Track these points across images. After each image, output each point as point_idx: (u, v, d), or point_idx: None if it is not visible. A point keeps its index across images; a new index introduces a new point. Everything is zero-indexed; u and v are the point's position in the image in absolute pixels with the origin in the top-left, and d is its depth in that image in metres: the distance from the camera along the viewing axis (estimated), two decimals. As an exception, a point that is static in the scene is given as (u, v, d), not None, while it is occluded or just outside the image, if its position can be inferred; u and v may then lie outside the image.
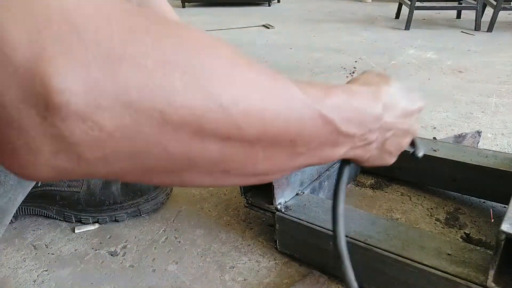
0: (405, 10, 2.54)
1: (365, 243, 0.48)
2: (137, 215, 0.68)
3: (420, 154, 0.43)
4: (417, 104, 0.39)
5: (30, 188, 0.49)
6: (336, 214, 0.40)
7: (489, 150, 0.68)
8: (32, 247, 0.63)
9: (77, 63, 0.17)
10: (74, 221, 0.68)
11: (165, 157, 0.21)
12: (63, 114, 0.17)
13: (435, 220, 0.65)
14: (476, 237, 0.60)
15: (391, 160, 0.40)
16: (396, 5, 2.90)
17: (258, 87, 0.23)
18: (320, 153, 0.30)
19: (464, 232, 0.61)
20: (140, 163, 0.21)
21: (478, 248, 0.46)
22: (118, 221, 0.68)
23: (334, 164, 0.69)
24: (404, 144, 0.40)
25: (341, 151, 0.32)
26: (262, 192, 0.58)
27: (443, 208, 0.68)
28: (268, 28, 2.63)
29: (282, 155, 0.27)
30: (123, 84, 0.18)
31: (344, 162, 0.39)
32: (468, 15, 2.79)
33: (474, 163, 0.64)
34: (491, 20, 2.28)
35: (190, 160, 0.22)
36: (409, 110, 0.38)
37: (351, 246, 0.49)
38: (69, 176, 0.20)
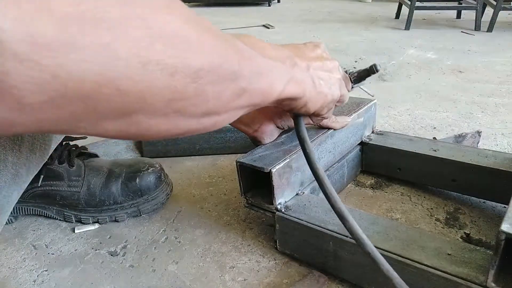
0: (405, 10, 2.54)
1: (365, 243, 0.48)
2: (137, 215, 0.68)
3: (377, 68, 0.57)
4: (319, 54, 0.52)
5: (26, 186, 0.49)
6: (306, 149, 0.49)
7: (489, 150, 0.68)
8: (32, 247, 0.63)
9: None
10: (74, 221, 0.68)
11: (116, 95, 0.21)
12: None
13: (435, 220, 0.65)
14: (476, 237, 0.60)
15: (327, 97, 0.49)
16: (396, 5, 2.90)
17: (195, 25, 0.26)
18: (260, 86, 0.35)
19: (464, 232, 0.61)
20: (92, 106, 0.20)
21: (478, 248, 0.46)
22: (118, 221, 0.68)
23: (334, 164, 0.69)
24: (334, 79, 0.50)
25: (279, 84, 0.38)
26: (262, 192, 0.58)
27: (443, 208, 0.68)
28: (268, 28, 2.63)
29: (228, 91, 0.30)
30: (60, 17, 0.17)
31: (296, 116, 0.50)
32: (468, 15, 2.79)
33: (474, 163, 0.64)
34: (491, 20, 2.28)
35: (141, 98, 0.22)
36: (315, 56, 0.50)
37: (351, 246, 0.49)
38: (16, 129, 0.19)
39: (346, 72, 0.59)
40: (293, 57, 0.45)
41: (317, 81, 0.47)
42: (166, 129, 0.27)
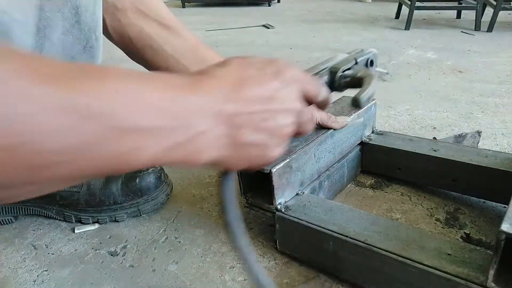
0: (405, 10, 2.54)
1: (365, 243, 0.48)
2: (137, 215, 0.68)
3: (363, 100, 0.42)
4: (281, 78, 0.35)
5: None
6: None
7: (489, 150, 0.68)
8: (32, 247, 0.63)
9: None
10: (74, 221, 0.68)
11: None
12: None
13: (435, 220, 0.65)
14: (476, 237, 0.60)
15: (266, 145, 0.35)
16: (396, 5, 2.90)
17: None
18: (101, 155, 0.25)
19: (464, 232, 0.61)
20: None
21: (478, 248, 0.46)
22: (118, 221, 0.68)
23: (334, 164, 0.69)
24: (285, 128, 0.35)
25: (147, 152, 0.27)
26: (262, 192, 0.58)
27: (443, 208, 0.68)
28: (268, 28, 2.63)
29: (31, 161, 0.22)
30: None
31: (224, 174, 0.37)
32: (468, 15, 2.79)
33: (474, 163, 0.64)
34: (491, 20, 2.28)
35: None
36: (267, 90, 0.34)
37: (351, 246, 0.49)
38: None
39: (332, 71, 0.49)
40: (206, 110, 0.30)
41: (247, 139, 0.33)
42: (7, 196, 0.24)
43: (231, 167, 0.35)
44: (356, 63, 0.52)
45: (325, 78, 0.50)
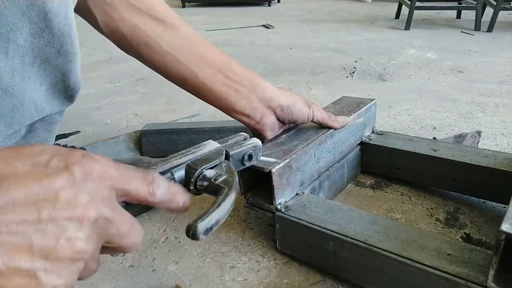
0: (405, 10, 2.54)
1: (365, 243, 0.48)
2: (136, 215, 0.68)
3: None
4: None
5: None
6: None
7: (489, 150, 0.68)
8: (32, 247, 0.63)
9: None
10: (74, 221, 0.67)
11: None
12: None
13: (435, 220, 0.65)
14: (476, 237, 0.60)
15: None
16: (396, 5, 2.90)
17: None
18: None
19: (464, 232, 0.61)
20: None
21: (478, 248, 0.46)
22: (118, 221, 0.68)
23: (334, 164, 0.69)
24: (69, 243, 0.25)
25: None
26: (262, 192, 0.58)
27: (443, 208, 0.68)
28: (268, 28, 2.63)
29: None
30: None
31: None
32: (468, 15, 2.79)
33: (474, 163, 0.64)
34: (491, 20, 2.28)
35: None
36: (39, 190, 0.25)
37: (351, 246, 0.49)
38: None
39: (190, 167, 0.39)
40: None
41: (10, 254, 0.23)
42: None
43: None
44: (227, 157, 0.42)
45: (180, 174, 0.39)
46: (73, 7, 0.48)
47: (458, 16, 2.84)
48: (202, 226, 0.32)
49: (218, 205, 0.34)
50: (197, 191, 0.39)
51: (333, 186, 0.70)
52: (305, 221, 0.53)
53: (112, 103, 1.30)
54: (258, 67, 1.67)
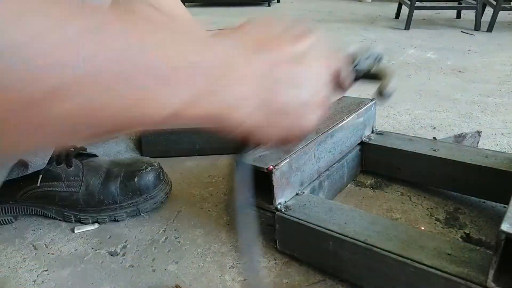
0: (405, 10, 2.54)
1: (365, 243, 0.48)
2: (136, 215, 0.68)
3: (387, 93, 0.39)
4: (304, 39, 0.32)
5: (7, 172, 0.48)
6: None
7: (489, 150, 0.68)
8: (32, 247, 0.63)
9: None
10: (73, 221, 0.68)
11: None
12: None
13: (435, 220, 0.65)
14: (476, 237, 0.60)
15: (299, 117, 0.31)
16: (396, 5, 2.90)
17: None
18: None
19: (464, 232, 0.61)
20: None
21: (478, 248, 0.46)
22: (117, 221, 0.68)
23: (334, 164, 0.69)
24: (322, 91, 0.32)
25: (178, 94, 0.24)
26: (262, 192, 0.58)
27: (443, 208, 0.68)
28: (268, 28, 2.63)
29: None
30: None
31: (237, 152, 0.32)
32: (468, 15, 2.79)
33: (474, 163, 0.64)
34: (491, 20, 2.28)
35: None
36: (301, 46, 0.31)
37: (351, 246, 0.49)
38: None
39: (351, 57, 0.44)
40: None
41: (280, 103, 0.30)
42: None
43: (262, 137, 0.31)
44: (368, 56, 0.48)
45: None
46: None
47: (458, 16, 2.83)
48: (390, 89, 0.41)
49: (391, 76, 0.42)
50: (356, 78, 0.44)
51: (333, 186, 0.70)
52: (305, 221, 0.53)
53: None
54: (258, 67, 1.66)
